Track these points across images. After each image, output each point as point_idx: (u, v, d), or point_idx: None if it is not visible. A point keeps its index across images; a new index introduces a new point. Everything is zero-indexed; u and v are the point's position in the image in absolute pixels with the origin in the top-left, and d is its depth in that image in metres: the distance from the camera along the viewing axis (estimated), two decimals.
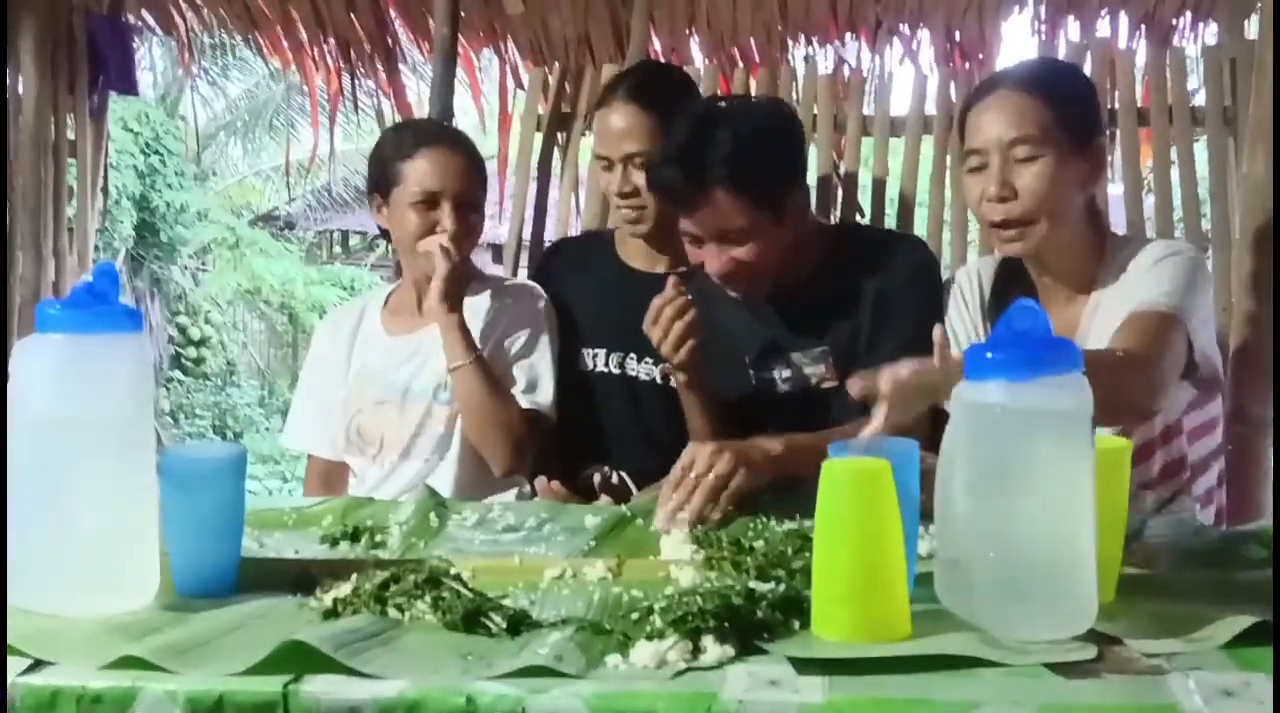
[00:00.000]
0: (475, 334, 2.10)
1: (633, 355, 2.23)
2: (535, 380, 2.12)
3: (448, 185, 2.08)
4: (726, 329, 2.06)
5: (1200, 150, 2.84)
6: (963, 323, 1.97)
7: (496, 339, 2.15)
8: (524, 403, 2.09)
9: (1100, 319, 1.81)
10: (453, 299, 2.05)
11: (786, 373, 2.01)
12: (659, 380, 2.20)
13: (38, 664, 1.05)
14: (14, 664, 1.04)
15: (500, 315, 2.17)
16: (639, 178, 2.15)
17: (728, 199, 1.84)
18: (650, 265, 2.27)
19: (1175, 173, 2.84)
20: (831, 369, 1.97)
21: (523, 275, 2.67)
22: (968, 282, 2.01)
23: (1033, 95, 1.78)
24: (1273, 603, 1.12)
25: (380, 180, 2.16)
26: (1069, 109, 1.79)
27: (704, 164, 1.84)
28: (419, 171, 2.09)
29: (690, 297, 1.86)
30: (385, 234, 2.23)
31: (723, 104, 2.04)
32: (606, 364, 2.25)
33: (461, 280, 2.08)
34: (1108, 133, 2.51)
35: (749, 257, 1.89)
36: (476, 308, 2.16)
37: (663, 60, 3.36)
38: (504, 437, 2.05)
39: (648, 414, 2.22)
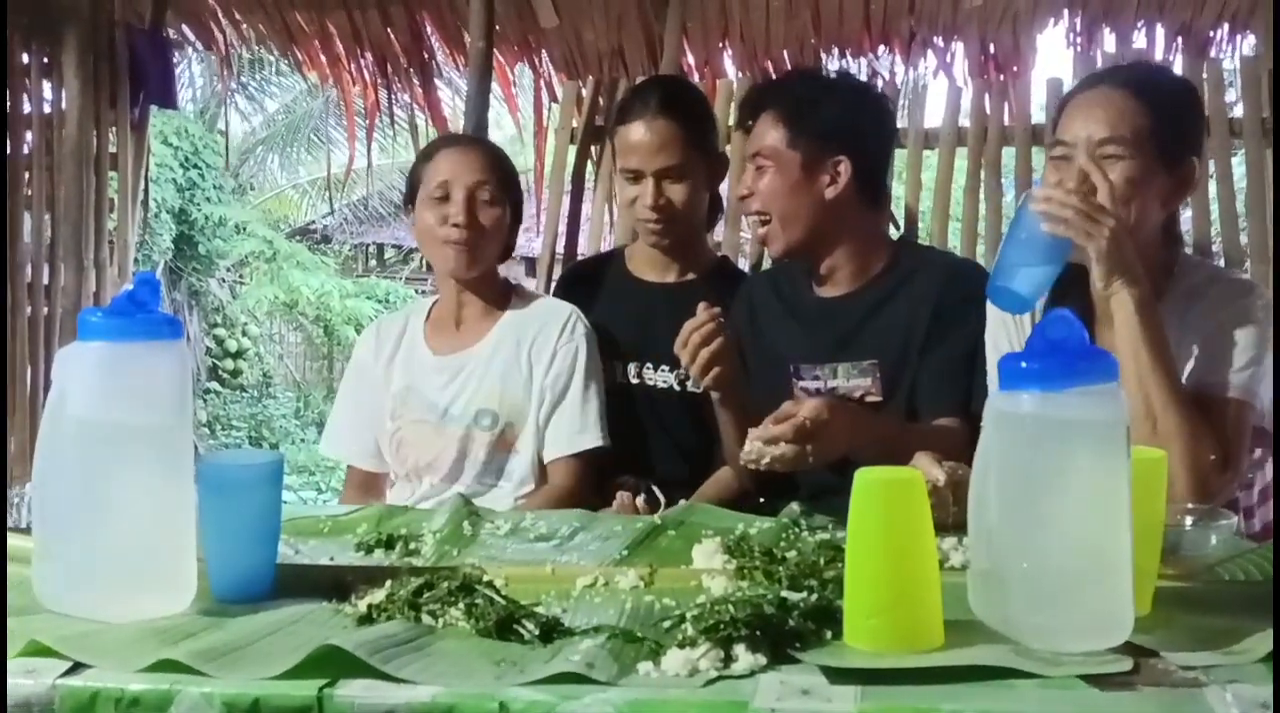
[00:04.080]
0: (514, 349, 2.12)
1: (649, 365, 2.26)
2: (593, 422, 2.11)
3: (458, 175, 2.12)
4: (771, 338, 2.05)
5: (1238, 163, 2.82)
6: (1009, 334, 1.93)
7: (544, 366, 2.12)
8: (587, 443, 2.09)
9: None
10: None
11: (832, 384, 1.98)
12: (676, 387, 2.23)
13: (77, 667, 1.06)
14: (54, 667, 1.06)
15: (542, 345, 2.13)
16: (672, 190, 2.19)
17: (769, 119, 1.98)
18: (660, 276, 2.32)
19: (1213, 186, 2.82)
20: (878, 383, 1.94)
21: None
22: None
23: (1135, 98, 1.71)
24: (1273, 609, 1.11)
25: (409, 190, 2.21)
26: (1168, 120, 1.72)
27: (779, 92, 2.07)
28: (434, 169, 2.15)
29: (720, 322, 1.81)
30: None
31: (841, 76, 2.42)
32: (625, 375, 2.26)
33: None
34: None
35: (762, 186, 1.97)
36: (518, 326, 2.15)
37: (695, 73, 3.38)
38: (585, 500, 2.00)
39: (668, 421, 2.24)
